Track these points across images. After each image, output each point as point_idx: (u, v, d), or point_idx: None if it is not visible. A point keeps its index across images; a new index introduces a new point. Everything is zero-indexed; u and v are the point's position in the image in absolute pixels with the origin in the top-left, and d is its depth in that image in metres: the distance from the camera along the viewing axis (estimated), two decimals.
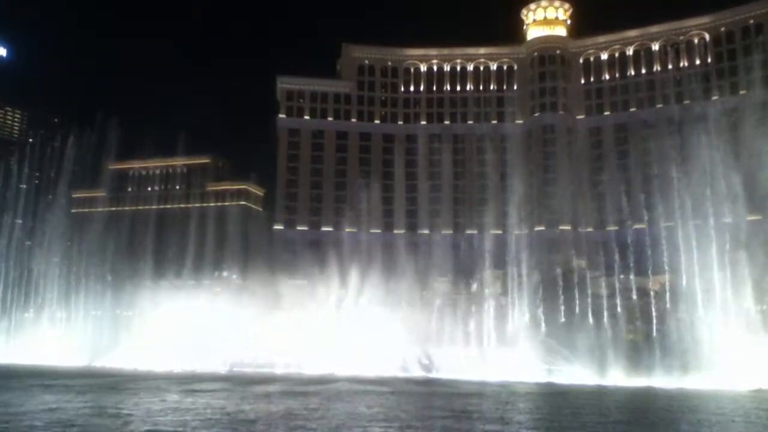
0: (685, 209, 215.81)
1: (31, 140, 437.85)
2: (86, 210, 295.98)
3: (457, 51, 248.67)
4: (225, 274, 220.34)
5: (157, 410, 54.13)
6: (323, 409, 57.00)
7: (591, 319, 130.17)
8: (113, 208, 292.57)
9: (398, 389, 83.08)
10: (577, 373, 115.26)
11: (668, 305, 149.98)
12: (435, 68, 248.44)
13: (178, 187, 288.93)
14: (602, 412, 63.45)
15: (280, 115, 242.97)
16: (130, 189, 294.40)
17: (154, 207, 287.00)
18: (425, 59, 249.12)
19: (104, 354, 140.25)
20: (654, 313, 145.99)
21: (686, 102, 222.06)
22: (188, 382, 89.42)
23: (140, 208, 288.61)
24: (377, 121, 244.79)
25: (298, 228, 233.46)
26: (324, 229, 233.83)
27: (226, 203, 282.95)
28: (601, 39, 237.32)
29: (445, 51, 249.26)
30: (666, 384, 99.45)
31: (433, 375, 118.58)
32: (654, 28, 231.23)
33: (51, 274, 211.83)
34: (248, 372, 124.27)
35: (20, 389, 72.54)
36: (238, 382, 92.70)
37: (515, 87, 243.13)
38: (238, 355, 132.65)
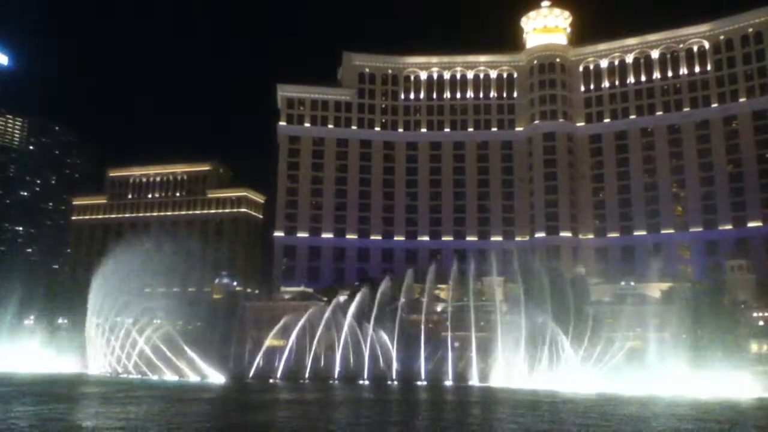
0: (682, 216, 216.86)
1: (31, 148, 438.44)
2: (86, 217, 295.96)
3: (458, 59, 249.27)
4: (225, 281, 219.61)
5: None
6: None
7: (591, 326, 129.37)
8: (113, 215, 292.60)
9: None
10: (577, 380, 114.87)
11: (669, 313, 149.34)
12: (435, 76, 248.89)
13: (178, 194, 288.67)
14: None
15: (281, 123, 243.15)
16: (130, 196, 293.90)
17: (154, 214, 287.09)
18: (425, 67, 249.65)
19: (103, 362, 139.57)
20: (654, 320, 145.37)
21: (686, 109, 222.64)
22: (183, 390, 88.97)
23: (140, 215, 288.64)
24: (378, 129, 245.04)
25: (299, 235, 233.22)
26: (324, 236, 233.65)
27: (227, 210, 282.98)
28: (601, 47, 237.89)
29: (445, 59, 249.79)
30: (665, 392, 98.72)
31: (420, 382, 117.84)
32: (653, 36, 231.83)
33: (52, 281, 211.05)
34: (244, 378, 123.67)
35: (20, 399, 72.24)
36: (242, 390, 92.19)
37: (515, 94, 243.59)
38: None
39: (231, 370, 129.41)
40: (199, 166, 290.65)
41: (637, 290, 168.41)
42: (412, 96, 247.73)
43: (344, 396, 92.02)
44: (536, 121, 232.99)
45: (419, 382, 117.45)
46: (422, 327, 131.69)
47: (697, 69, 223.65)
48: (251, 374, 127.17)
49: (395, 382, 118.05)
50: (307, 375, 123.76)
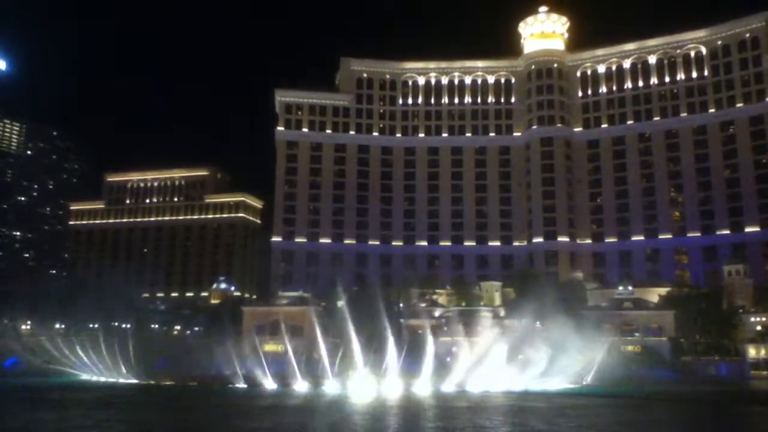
0: (680, 221, 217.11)
1: (29, 152, 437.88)
2: (84, 222, 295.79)
3: (455, 64, 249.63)
4: (223, 285, 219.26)
5: None
6: None
7: (588, 331, 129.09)
8: (111, 220, 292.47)
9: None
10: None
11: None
12: (433, 81, 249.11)
13: (176, 199, 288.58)
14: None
15: (279, 128, 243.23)
16: (127, 201, 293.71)
17: (152, 219, 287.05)
18: (423, 72, 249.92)
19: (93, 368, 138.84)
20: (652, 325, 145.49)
21: (683, 115, 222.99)
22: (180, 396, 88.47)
23: (138, 220, 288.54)
24: (376, 134, 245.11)
25: (296, 240, 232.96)
26: (322, 241, 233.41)
27: (224, 215, 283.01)
28: (599, 52, 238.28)
29: (443, 64, 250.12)
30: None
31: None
32: (651, 42, 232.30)
33: (49, 286, 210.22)
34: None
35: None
36: (239, 396, 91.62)
37: (513, 100, 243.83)
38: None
39: (228, 375, 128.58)
40: (197, 172, 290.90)
41: (635, 295, 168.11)
42: (410, 101, 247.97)
43: (331, 403, 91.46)
44: (534, 127, 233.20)
45: (416, 389, 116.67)
46: (421, 331, 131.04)
47: (694, 74, 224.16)
48: (246, 380, 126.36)
49: (394, 389, 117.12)
50: (300, 381, 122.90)
